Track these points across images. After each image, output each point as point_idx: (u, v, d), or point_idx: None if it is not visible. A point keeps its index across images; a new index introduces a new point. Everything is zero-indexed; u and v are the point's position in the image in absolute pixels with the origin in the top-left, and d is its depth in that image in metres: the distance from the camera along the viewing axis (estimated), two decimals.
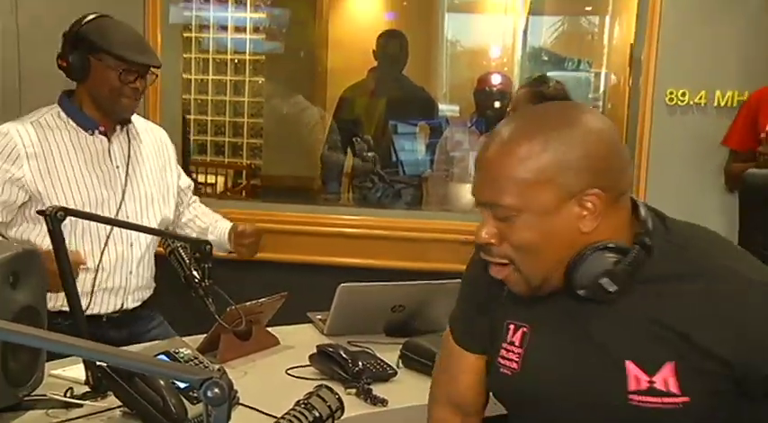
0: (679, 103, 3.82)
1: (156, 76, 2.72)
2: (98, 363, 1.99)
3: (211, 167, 7.32)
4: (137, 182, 2.72)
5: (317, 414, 1.76)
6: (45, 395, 2.07)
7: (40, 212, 2.10)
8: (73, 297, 2.12)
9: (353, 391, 2.20)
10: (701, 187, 3.79)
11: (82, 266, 2.44)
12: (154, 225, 2.74)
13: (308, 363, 2.37)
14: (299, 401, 1.81)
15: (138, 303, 2.76)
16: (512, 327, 1.60)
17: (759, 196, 2.02)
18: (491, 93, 4.74)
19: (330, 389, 1.86)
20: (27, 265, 2.03)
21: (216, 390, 1.13)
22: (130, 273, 2.70)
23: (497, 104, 4.69)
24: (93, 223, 2.59)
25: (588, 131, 1.45)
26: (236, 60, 8.31)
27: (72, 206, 2.52)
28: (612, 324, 1.49)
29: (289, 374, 2.35)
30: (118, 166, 2.69)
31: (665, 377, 1.43)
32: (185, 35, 8.35)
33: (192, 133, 7.93)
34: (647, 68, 3.86)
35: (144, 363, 1.20)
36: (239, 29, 8.84)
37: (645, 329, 1.46)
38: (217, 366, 2.27)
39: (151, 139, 2.84)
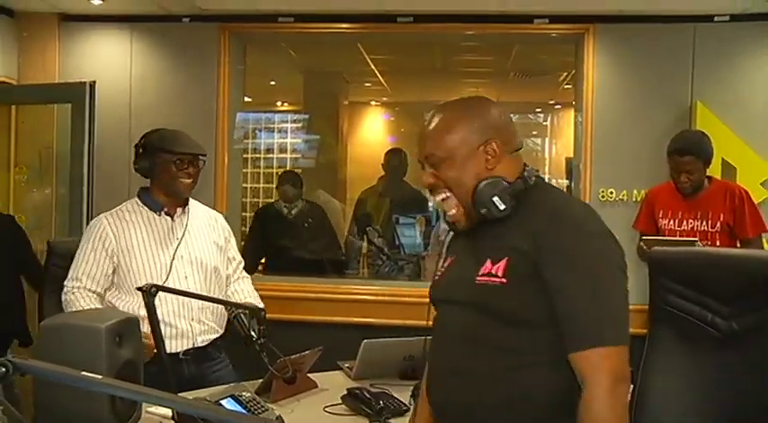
0: (608, 199, 3.79)
1: (204, 162, 2.66)
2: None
3: None
4: (191, 248, 2.62)
5: None
6: None
7: (138, 289, 2.02)
8: (162, 354, 2.02)
9: None
10: (628, 257, 3.69)
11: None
12: (200, 279, 2.60)
13: (341, 402, 2.25)
14: None
15: (207, 343, 2.61)
16: (448, 258, 1.71)
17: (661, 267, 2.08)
18: None
19: None
20: (128, 329, 1.94)
21: None
22: (192, 320, 2.56)
23: None
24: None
25: (494, 110, 1.61)
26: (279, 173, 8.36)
27: (139, 266, 2.52)
28: (489, 240, 1.57)
29: (326, 411, 2.22)
30: (177, 238, 2.61)
31: (499, 267, 1.51)
32: (244, 156, 8.48)
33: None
34: (585, 174, 3.84)
35: (212, 411, 1.10)
36: (283, 151, 8.91)
37: (500, 241, 1.54)
38: (272, 406, 2.14)
39: (206, 218, 2.75)
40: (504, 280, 1.49)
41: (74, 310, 2.46)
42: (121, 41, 4.01)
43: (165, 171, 2.57)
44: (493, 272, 1.51)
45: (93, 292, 2.51)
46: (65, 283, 2.53)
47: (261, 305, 2.64)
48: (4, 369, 1.12)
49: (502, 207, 1.52)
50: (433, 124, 1.61)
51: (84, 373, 1.12)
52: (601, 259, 1.49)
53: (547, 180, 8.93)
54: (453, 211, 1.60)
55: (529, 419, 1.51)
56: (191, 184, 2.61)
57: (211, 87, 4.00)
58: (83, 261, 2.52)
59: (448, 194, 1.59)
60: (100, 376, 1.11)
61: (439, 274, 1.70)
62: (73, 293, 2.49)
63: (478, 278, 1.52)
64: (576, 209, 1.57)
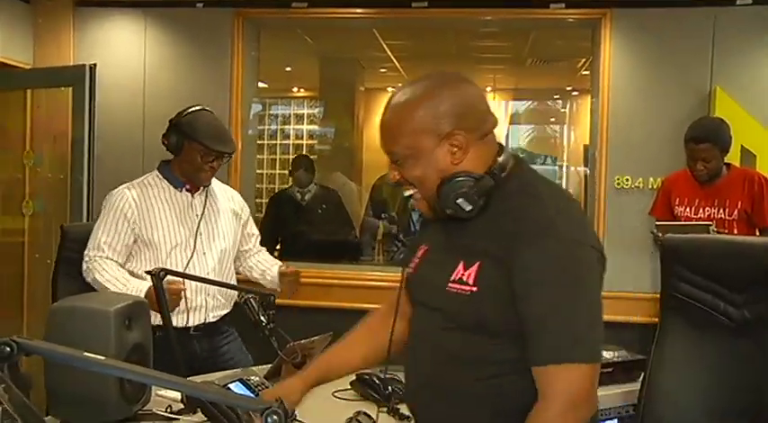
0: (624, 186, 3.77)
1: (230, 156, 2.69)
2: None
3: None
4: (210, 225, 2.67)
5: None
6: (151, 410, 1.99)
7: (147, 272, 2.05)
8: (170, 333, 2.06)
9: (385, 409, 2.08)
10: (643, 244, 3.67)
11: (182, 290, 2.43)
12: (217, 256, 2.66)
13: (350, 387, 2.26)
14: None
15: (218, 318, 2.67)
16: (421, 246, 1.59)
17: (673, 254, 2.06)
18: None
19: (368, 415, 1.71)
20: (137, 312, 1.96)
21: (275, 417, 1.03)
22: (208, 295, 2.62)
23: None
24: (177, 260, 2.56)
25: (455, 90, 1.44)
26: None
27: (160, 240, 2.57)
28: (462, 237, 1.46)
29: (335, 396, 2.23)
30: (197, 215, 2.65)
31: (471, 272, 1.41)
32: (260, 143, 8.53)
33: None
34: (600, 161, 3.81)
35: (220, 394, 1.12)
36: (299, 137, 8.94)
37: (473, 240, 1.44)
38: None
39: (224, 196, 2.79)
40: (474, 288, 1.40)
41: (97, 276, 2.51)
42: (135, 27, 4.03)
43: (188, 159, 2.59)
44: (464, 278, 1.41)
45: (114, 262, 2.55)
46: (85, 252, 2.56)
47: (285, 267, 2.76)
48: (8, 349, 1.13)
49: (468, 208, 1.41)
50: (387, 115, 1.45)
51: (86, 353, 1.14)
52: (572, 268, 1.37)
53: (564, 168, 8.79)
54: (419, 205, 1.51)
55: None
56: (211, 175, 2.64)
57: (225, 73, 4.01)
58: (104, 231, 2.56)
59: (414, 190, 1.48)
60: (103, 357, 1.12)
61: (413, 264, 1.59)
62: (95, 261, 2.53)
63: (450, 285, 1.43)
64: (550, 211, 1.40)
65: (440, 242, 1.53)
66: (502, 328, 1.40)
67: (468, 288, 1.40)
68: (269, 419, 1.04)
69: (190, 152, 2.58)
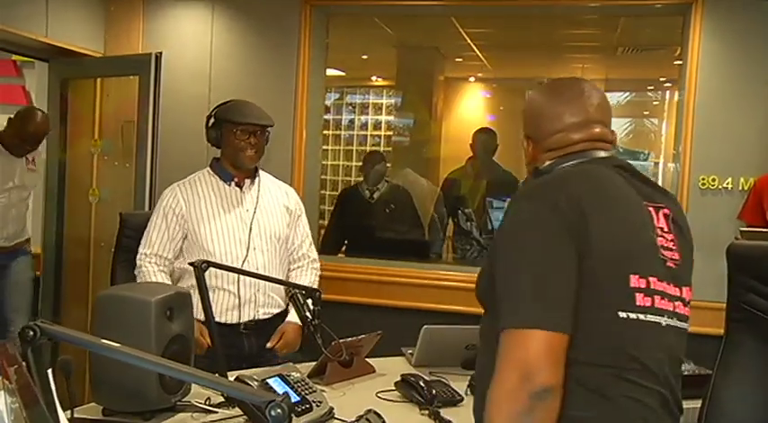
0: (710, 186, 3.63)
1: (268, 132, 2.77)
2: None
3: None
4: (262, 221, 2.75)
5: None
6: (190, 402, 2.08)
7: (190, 264, 2.14)
8: (213, 331, 2.13)
9: (426, 412, 2.10)
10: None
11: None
12: (271, 250, 2.74)
13: (394, 388, 2.29)
14: None
15: (269, 316, 2.74)
16: None
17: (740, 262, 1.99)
18: None
19: (377, 414, 1.74)
20: (180, 303, 2.05)
21: (278, 410, 1.08)
22: (258, 290, 2.70)
23: None
24: (228, 256, 2.65)
25: (530, 102, 1.66)
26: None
27: (209, 235, 2.67)
28: None
29: (378, 397, 2.27)
30: (248, 209, 2.74)
31: None
32: (335, 132, 8.65)
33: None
34: (684, 158, 3.69)
35: (225, 385, 1.17)
36: (377, 127, 9.01)
37: None
38: (322, 388, 2.22)
39: (277, 191, 2.87)
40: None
41: (144, 281, 2.64)
42: (203, 16, 4.17)
43: (228, 142, 2.72)
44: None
45: (165, 259, 2.69)
46: (139, 249, 2.72)
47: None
48: (31, 332, 1.22)
49: None
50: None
51: (104, 340, 1.21)
52: (512, 231, 1.44)
53: (660, 165, 8.42)
54: None
55: None
56: (254, 154, 2.73)
57: (292, 62, 4.09)
58: (155, 229, 2.71)
59: None
60: (117, 344, 1.19)
61: None
62: (146, 263, 2.68)
63: None
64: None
65: None
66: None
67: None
68: (272, 412, 1.08)
69: (227, 137, 2.71)
